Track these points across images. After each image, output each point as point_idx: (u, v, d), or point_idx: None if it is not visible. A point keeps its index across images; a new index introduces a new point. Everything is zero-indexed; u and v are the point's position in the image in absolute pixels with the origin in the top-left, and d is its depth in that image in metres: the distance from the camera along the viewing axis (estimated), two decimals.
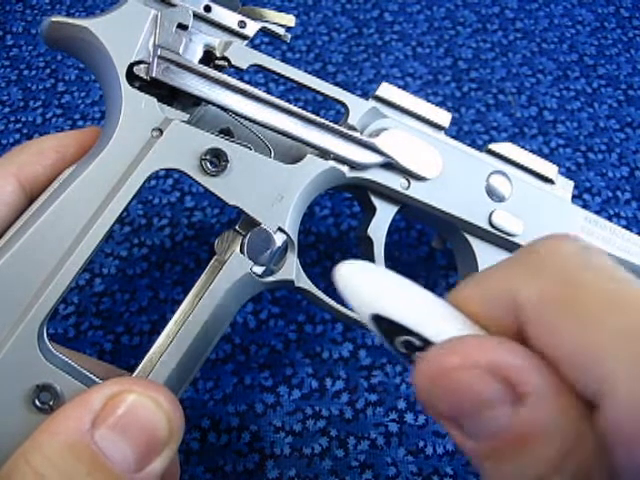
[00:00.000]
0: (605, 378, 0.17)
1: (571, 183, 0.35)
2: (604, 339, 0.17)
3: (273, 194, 0.28)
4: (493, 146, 0.34)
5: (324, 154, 0.29)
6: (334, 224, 0.42)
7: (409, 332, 0.19)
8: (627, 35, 0.52)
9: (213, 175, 0.27)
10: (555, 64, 0.50)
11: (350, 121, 0.30)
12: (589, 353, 0.17)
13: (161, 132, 0.27)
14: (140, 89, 0.27)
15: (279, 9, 0.51)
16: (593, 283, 0.18)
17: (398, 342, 0.20)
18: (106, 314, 0.38)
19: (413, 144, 0.31)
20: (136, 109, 0.27)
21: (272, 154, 0.29)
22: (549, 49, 0.51)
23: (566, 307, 0.18)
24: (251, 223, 0.28)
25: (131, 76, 0.27)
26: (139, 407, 0.22)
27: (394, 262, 0.40)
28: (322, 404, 0.36)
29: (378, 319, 0.20)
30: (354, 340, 0.37)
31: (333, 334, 0.38)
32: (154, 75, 0.27)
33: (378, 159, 0.30)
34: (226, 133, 0.30)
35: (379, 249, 0.32)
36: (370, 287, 0.20)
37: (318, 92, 0.30)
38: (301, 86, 0.30)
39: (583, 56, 0.51)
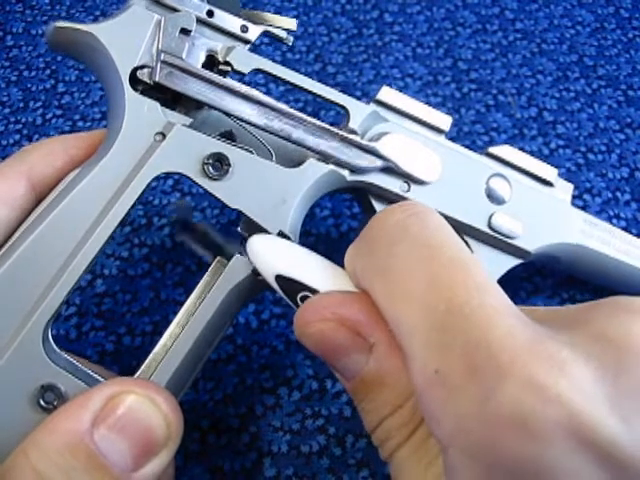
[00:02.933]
0: (401, 339, 0.20)
1: (570, 186, 0.35)
2: (401, 306, 0.20)
3: (274, 197, 0.28)
4: (492, 149, 0.34)
5: (325, 158, 0.30)
6: (334, 225, 0.42)
7: (305, 288, 0.23)
8: (627, 36, 0.52)
9: (215, 179, 0.27)
10: (555, 65, 0.50)
11: (351, 125, 0.31)
12: (393, 318, 0.20)
13: (164, 136, 0.27)
14: (143, 93, 0.27)
15: (278, 10, 0.52)
16: (402, 254, 0.21)
17: (298, 298, 0.23)
18: (108, 315, 0.38)
19: (413, 148, 0.31)
20: (139, 113, 0.27)
21: (274, 158, 0.29)
22: (549, 50, 0.51)
23: (378, 278, 0.21)
24: (252, 225, 0.28)
25: (134, 80, 0.28)
26: (138, 408, 0.22)
27: None
28: (322, 405, 0.36)
29: (280, 278, 0.24)
30: None
31: None
32: (157, 80, 0.27)
33: (379, 163, 0.30)
34: (229, 135, 0.30)
35: None
36: (274, 253, 0.25)
37: (320, 96, 0.30)
38: (303, 90, 0.30)
39: (583, 57, 0.51)
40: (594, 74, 0.50)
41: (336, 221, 0.42)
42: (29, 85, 0.48)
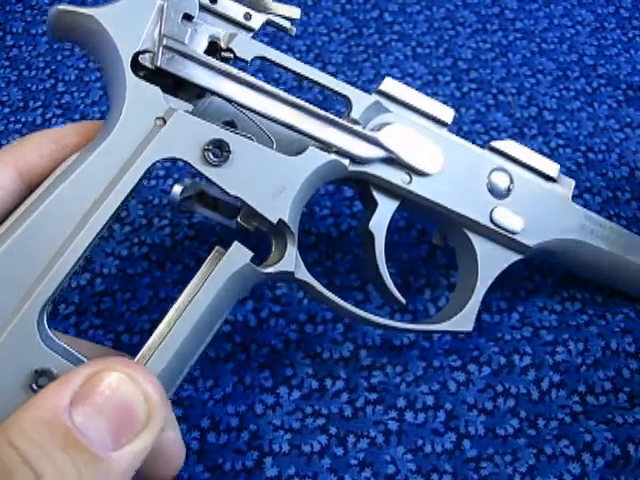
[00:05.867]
0: None
1: (572, 182, 0.35)
2: None
3: (275, 185, 0.28)
4: (495, 143, 0.34)
5: (326, 147, 0.29)
6: (334, 224, 0.42)
7: None
8: (627, 35, 0.52)
9: (215, 165, 0.27)
10: (555, 64, 0.50)
11: (353, 115, 0.30)
12: None
13: (164, 121, 0.27)
14: (145, 79, 0.27)
15: None
16: None
17: None
18: (107, 314, 0.38)
19: (415, 139, 0.31)
20: (140, 98, 0.27)
21: (274, 145, 0.29)
22: (549, 49, 0.51)
23: None
24: (252, 216, 0.28)
25: (136, 66, 0.27)
26: (117, 386, 0.22)
27: (394, 262, 0.40)
28: (322, 404, 0.36)
29: None
30: (355, 340, 0.37)
31: (334, 334, 0.38)
32: (159, 64, 0.27)
33: (380, 153, 0.30)
34: (230, 125, 0.30)
35: (380, 244, 0.33)
36: None
37: (322, 85, 0.30)
38: (305, 79, 0.30)
39: (583, 56, 0.51)
40: (594, 73, 0.50)
41: (336, 220, 0.42)
42: (29, 85, 0.48)
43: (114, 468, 0.21)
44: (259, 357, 0.37)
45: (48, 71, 0.49)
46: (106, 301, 0.38)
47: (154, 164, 0.26)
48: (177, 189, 0.33)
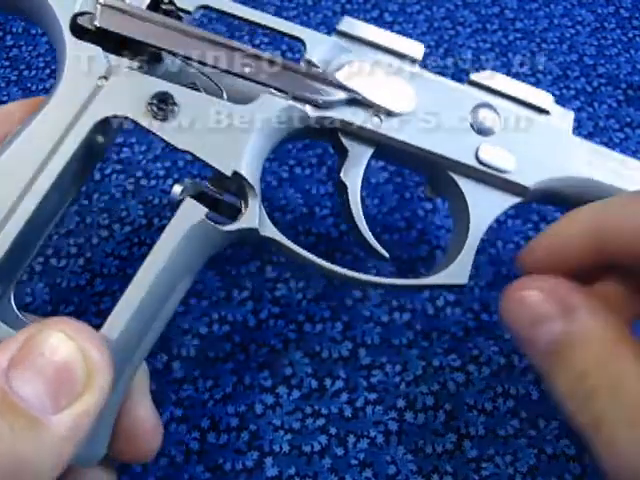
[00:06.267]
0: None
1: (571, 113, 0.32)
2: None
3: (226, 136, 0.27)
4: (475, 76, 0.31)
5: (282, 93, 0.28)
6: (334, 224, 0.42)
7: None
8: (627, 35, 0.52)
9: (161, 119, 0.26)
10: (555, 64, 0.50)
11: (308, 57, 0.29)
12: None
13: (107, 80, 0.26)
14: (89, 41, 0.27)
15: (278, 9, 0.52)
16: None
17: None
18: (106, 314, 0.38)
19: (380, 77, 0.29)
20: (81, 59, 0.26)
21: (224, 96, 0.28)
22: (549, 49, 0.51)
23: None
24: (220, 181, 0.27)
25: (79, 30, 0.27)
26: (57, 346, 0.21)
27: (394, 261, 0.40)
28: (321, 404, 0.36)
29: None
30: (354, 338, 0.37)
31: (332, 332, 0.38)
32: (98, 24, 0.27)
33: (341, 95, 0.29)
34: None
35: (354, 194, 0.30)
36: None
37: (273, 29, 0.29)
38: (255, 25, 0.29)
39: (583, 56, 0.51)
40: (594, 73, 0.50)
41: (336, 220, 0.42)
42: (29, 84, 0.48)
43: (53, 432, 0.20)
44: (258, 357, 0.37)
45: (48, 71, 0.49)
46: (106, 301, 0.38)
47: (99, 122, 0.26)
48: (177, 189, 0.32)
